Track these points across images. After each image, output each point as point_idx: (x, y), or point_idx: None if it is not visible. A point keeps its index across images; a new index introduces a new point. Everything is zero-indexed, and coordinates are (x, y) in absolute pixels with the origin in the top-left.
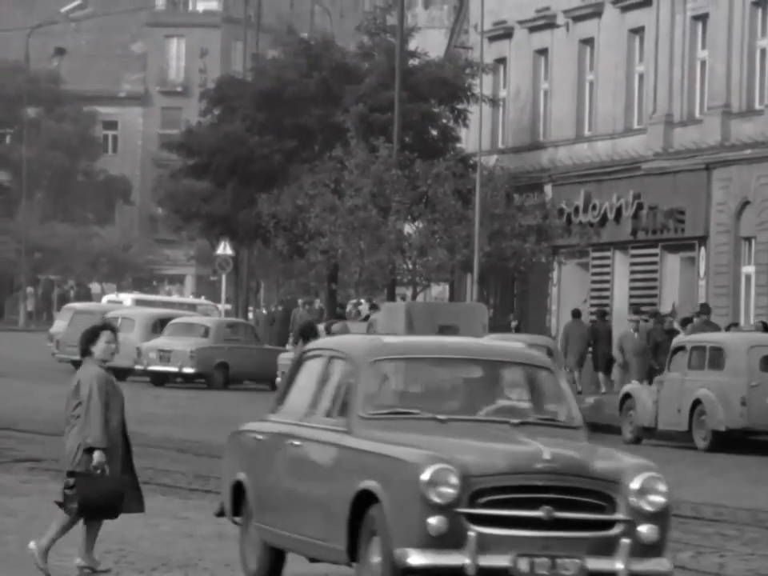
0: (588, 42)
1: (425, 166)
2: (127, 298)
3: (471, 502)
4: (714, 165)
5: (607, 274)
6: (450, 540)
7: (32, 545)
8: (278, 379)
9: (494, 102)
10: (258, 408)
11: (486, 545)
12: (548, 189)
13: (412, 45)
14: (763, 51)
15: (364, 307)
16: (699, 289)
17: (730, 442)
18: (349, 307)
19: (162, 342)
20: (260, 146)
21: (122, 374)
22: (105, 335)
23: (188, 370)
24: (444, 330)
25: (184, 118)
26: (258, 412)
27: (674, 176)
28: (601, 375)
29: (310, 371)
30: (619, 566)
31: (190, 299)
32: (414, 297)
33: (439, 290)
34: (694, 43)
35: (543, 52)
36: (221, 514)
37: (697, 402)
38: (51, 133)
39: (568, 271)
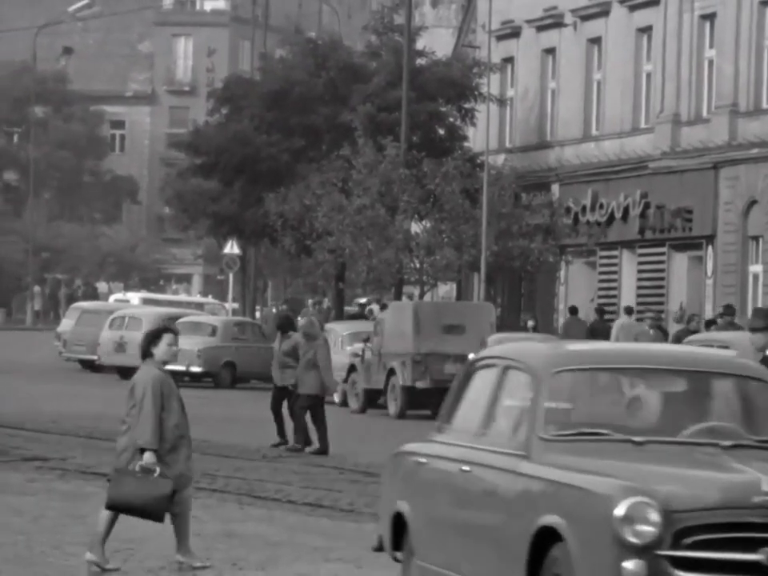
0: (596, 41)
1: (432, 166)
2: (134, 297)
3: (675, 543)
4: (722, 164)
5: (615, 273)
6: None
7: (178, 557)
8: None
9: (502, 101)
10: (264, 407)
11: None
12: (555, 188)
13: (420, 44)
14: None
15: (376, 308)
16: (707, 288)
17: None
18: (359, 307)
19: None
20: (267, 145)
21: (129, 372)
22: (167, 337)
23: (195, 369)
24: (451, 329)
25: (191, 118)
26: (265, 411)
27: (682, 175)
28: None
29: (482, 383)
30: None
31: (198, 298)
32: (421, 296)
33: (446, 290)
34: (701, 42)
35: (551, 51)
36: (379, 548)
37: None
38: (59, 132)
39: (575, 270)
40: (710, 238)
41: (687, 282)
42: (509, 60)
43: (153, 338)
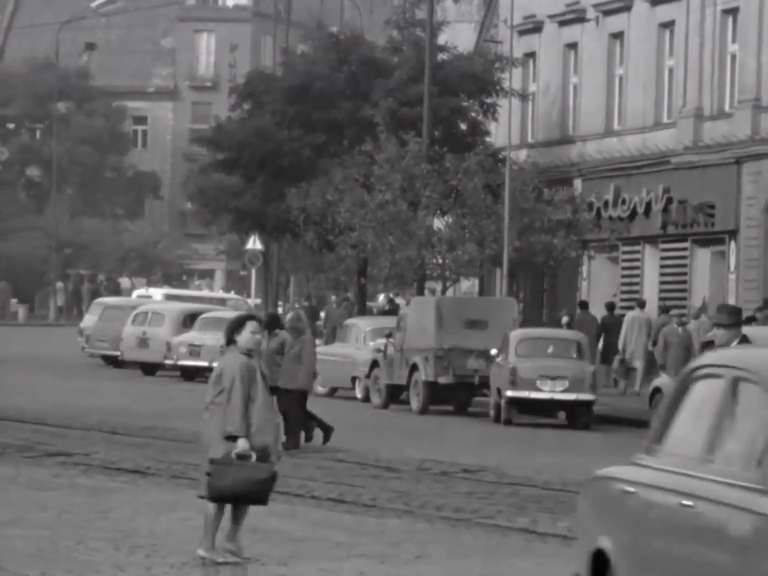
0: (618, 35)
1: (454, 161)
2: (157, 292)
3: None
4: (744, 159)
5: (637, 268)
6: None
7: (200, 552)
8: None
9: (524, 96)
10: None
11: None
12: (577, 183)
13: (441, 39)
14: None
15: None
16: (729, 283)
17: None
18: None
19: (192, 336)
20: (289, 140)
21: (152, 368)
22: (250, 325)
23: None
24: (473, 324)
25: (214, 113)
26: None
27: (704, 170)
28: (616, 368)
29: (703, 398)
30: None
31: (220, 294)
32: (443, 291)
33: (469, 285)
34: (724, 37)
35: (573, 46)
36: None
37: None
38: (81, 128)
39: (598, 266)
40: (733, 233)
41: (710, 277)
42: (531, 55)
43: (236, 325)
